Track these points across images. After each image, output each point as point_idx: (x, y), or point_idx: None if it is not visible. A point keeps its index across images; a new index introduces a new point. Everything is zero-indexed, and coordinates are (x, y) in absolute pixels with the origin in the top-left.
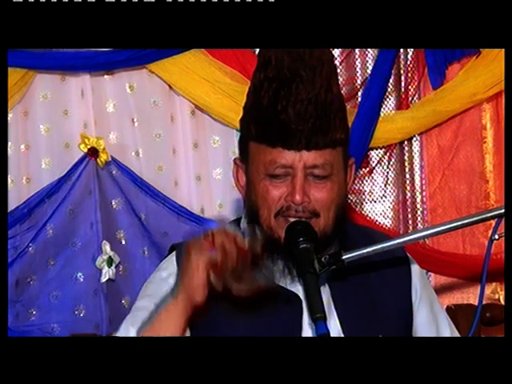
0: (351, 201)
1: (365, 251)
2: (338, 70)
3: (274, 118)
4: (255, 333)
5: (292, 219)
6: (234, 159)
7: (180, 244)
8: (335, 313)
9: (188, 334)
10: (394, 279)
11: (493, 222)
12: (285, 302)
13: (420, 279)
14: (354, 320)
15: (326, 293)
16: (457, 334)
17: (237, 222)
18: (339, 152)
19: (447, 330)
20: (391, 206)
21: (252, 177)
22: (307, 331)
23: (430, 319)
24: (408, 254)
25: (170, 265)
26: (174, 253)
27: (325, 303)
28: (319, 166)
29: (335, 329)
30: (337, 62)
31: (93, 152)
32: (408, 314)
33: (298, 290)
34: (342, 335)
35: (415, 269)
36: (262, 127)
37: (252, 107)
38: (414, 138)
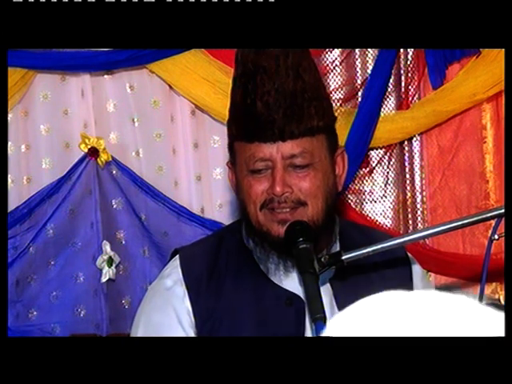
0: (351, 201)
1: (365, 251)
2: (338, 70)
3: (246, 113)
4: (258, 335)
5: (277, 211)
6: (227, 163)
7: (183, 248)
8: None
9: (192, 334)
10: (395, 280)
11: (493, 222)
12: (287, 304)
13: (421, 279)
14: None
15: (328, 293)
16: None
17: (238, 223)
18: (320, 140)
19: None
20: (391, 206)
21: (238, 176)
22: (310, 333)
23: None
24: (409, 255)
25: (173, 271)
26: (177, 258)
27: (327, 303)
28: (297, 155)
29: None
30: (337, 62)
31: (93, 152)
32: None
33: (300, 290)
34: None
35: (416, 269)
36: (239, 124)
37: (230, 107)
38: (414, 138)
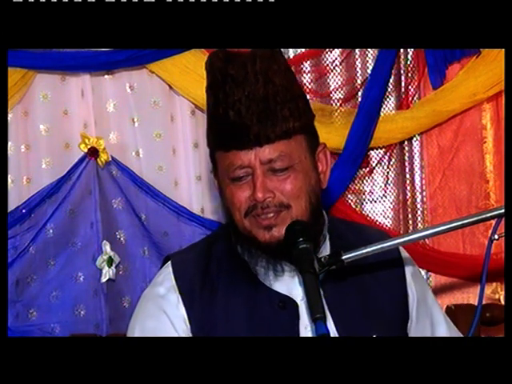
0: (351, 201)
1: (364, 251)
2: (338, 70)
3: (220, 123)
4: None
5: (262, 217)
6: (211, 171)
7: (175, 254)
8: (330, 315)
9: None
10: (389, 281)
11: (493, 222)
12: (281, 307)
13: (415, 280)
14: (349, 322)
15: None
16: (453, 327)
17: (227, 227)
18: (299, 141)
19: (442, 323)
20: (391, 206)
21: (221, 184)
22: (304, 335)
23: (424, 313)
24: (404, 254)
25: (166, 278)
26: (169, 264)
27: None
28: (275, 160)
29: (331, 331)
30: (337, 62)
31: (93, 152)
32: (404, 314)
33: (292, 294)
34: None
35: (409, 270)
36: (215, 134)
37: (206, 117)
38: (414, 138)
